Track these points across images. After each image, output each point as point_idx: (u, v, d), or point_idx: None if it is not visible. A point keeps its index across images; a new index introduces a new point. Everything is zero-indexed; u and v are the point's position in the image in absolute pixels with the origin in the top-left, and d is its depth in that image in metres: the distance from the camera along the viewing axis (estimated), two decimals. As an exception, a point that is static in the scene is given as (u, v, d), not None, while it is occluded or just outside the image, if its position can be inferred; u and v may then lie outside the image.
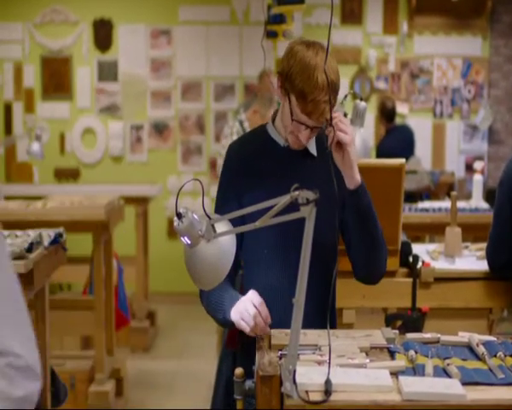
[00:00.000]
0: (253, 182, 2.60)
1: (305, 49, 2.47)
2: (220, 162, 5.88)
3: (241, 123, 5.87)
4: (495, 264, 3.42)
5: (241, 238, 2.61)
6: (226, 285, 2.54)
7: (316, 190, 1.94)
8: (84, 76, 8.07)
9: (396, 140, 7.43)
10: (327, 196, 2.19)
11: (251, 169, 2.62)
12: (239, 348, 2.78)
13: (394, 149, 7.04)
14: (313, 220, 1.94)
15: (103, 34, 8.05)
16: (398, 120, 7.75)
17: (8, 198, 5.61)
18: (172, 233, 7.85)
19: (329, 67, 2.42)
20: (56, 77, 8.06)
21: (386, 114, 7.53)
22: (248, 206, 2.18)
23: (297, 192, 1.95)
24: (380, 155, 7.37)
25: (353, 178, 2.48)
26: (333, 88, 2.43)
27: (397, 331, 2.45)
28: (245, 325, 2.40)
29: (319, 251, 2.35)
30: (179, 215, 2.18)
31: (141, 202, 6.60)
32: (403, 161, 3.35)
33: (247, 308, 2.41)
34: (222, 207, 2.61)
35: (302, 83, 2.43)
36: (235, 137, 5.82)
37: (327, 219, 2.47)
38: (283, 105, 2.56)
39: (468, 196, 6.42)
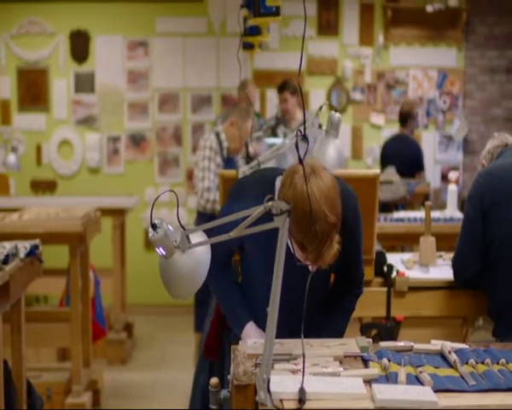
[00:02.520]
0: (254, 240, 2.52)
1: (304, 188, 2.14)
2: (196, 173, 5.77)
3: (217, 135, 5.83)
4: (462, 276, 3.43)
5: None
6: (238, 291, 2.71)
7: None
8: (60, 88, 8.05)
9: (395, 146, 7.28)
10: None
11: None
12: (216, 358, 2.79)
13: (392, 152, 7.05)
14: (286, 229, 1.97)
15: (80, 46, 8.04)
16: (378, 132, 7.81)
17: (-17, 210, 5.58)
18: (149, 245, 7.83)
19: (332, 207, 2.20)
20: (33, 88, 8.04)
21: (400, 116, 7.36)
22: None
23: (270, 203, 1.97)
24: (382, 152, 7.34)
25: None
26: (335, 225, 2.22)
27: (370, 340, 2.47)
28: None
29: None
30: (154, 226, 2.19)
31: (118, 213, 6.58)
32: (377, 171, 3.39)
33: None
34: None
35: (301, 234, 2.20)
36: (207, 152, 5.71)
37: (322, 279, 2.60)
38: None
39: (444, 206, 6.47)
